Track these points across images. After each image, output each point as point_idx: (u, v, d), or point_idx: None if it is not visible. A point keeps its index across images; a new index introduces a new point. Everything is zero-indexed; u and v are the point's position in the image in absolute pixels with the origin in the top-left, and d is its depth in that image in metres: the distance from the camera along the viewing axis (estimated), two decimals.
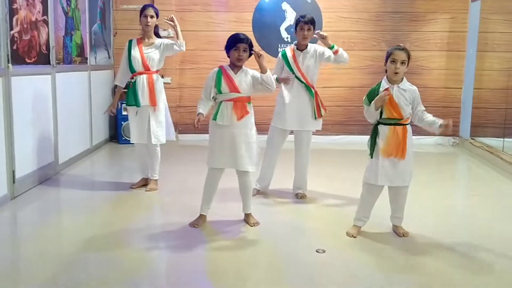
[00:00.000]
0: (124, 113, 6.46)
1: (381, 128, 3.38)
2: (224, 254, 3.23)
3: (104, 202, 4.31)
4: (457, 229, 3.82)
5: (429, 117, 3.43)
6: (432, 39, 7.26)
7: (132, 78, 4.46)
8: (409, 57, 3.34)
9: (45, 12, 4.82)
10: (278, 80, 4.23)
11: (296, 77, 4.25)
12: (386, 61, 3.38)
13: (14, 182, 4.25)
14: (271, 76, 3.52)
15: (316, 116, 4.26)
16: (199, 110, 3.52)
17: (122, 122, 6.80)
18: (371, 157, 3.42)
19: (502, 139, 6.41)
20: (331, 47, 4.22)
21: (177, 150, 6.84)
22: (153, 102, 4.43)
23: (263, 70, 3.48)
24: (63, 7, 5.32)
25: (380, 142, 3.37)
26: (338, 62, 4.26)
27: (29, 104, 4.54)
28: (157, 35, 4.57)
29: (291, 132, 4.40)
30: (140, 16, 4.45)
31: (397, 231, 3.58)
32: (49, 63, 4.95)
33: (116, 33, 7.17)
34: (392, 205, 3.58)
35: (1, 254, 3.16)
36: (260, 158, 3.98)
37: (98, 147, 6.53)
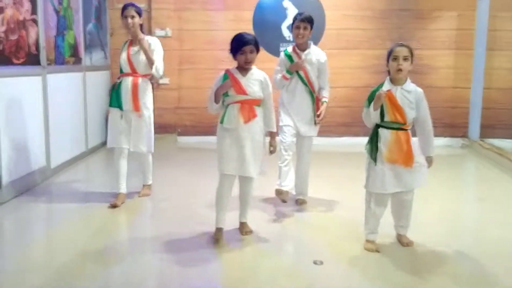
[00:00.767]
0: None
1: (382, 132, 3.13)
2: (219, 265, 3.05)
3: (97, 209, 4.08)
4: (465, 239, 3.60)
5: (429, 138, 3.19)
6: (439, 37, 7.01)
7: (118, 78, 4.19)
8: (411, 53, 3.10)
9: (34, 11, 4.64)
10: (289, 72, 3.98)
11: (300, 78, 4.01)
12: (388, 61, 3.14)
13: (0, 188, 4.07)
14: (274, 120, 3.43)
15: (316, 121, 4.05)
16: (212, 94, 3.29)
17: None
18: (375, 164, 3.15)
19: None
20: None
21: (176, 152, 6.67)
22: (136, 107, 4.09)
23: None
24: (54, 6, 5.14)
25: (382, 147, 3.12)
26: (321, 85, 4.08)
27: (17, 106, 4.36)
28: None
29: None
30: (121, 17, 4.13)
31: (401, 241, 3.35)
32: (39, 63, 4.77)
33: (112, 32, 6.99)
34: (396, 214, 3.33)
35: None
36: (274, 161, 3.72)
37: (94, 151, 6.34)
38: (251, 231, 3.53)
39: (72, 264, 3.04)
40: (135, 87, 4.09)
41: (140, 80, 4.13)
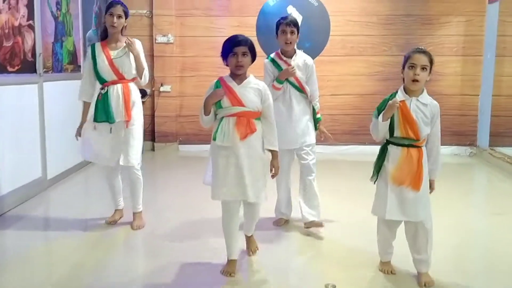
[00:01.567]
0: None
1: (392, 149, 2.81)
2: None
3: (94, 223, 3.89)
4: (482, 259, 3.36)
5: (437, 159, 2.86)
6: (447, 43, 6.84)
7: (103, 88, 3.64)
8: (431, 62, 2.77)
9: (30, 16, 4.47)
10: (280, 81, 3.60)
11: (292, 85, 3.64)
12: (404, 67, 2.81)
13: None
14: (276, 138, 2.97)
15: (317, 127, 3.76)
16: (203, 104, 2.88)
17: None
18: (374, 182, 2.87)
19: None
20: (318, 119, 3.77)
21: (177, 161, 6.49)
22: (128, 116, 3.62)
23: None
24: (52, 12, 4.97)
25: (390, 166, 2.80)
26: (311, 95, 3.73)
27: (12, 116, 4.18)
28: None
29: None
30: (106, 14, 3.65)
31: (419, 279, 2.88)
32: (35, 71, 4.60)
33: (102, 35, 6.81)
34: (410, 242, 2.93)
35: None
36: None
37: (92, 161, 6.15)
38: (257, 248, 3.28)
39: (69, 278, 2.88)
40: (127, 95, 3.63)
41: (131, 86, 3.70)
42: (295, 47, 3.74)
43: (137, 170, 3.74)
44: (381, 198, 2.85)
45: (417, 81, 2.73)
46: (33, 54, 4.55)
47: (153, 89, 6.93)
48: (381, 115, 2.79)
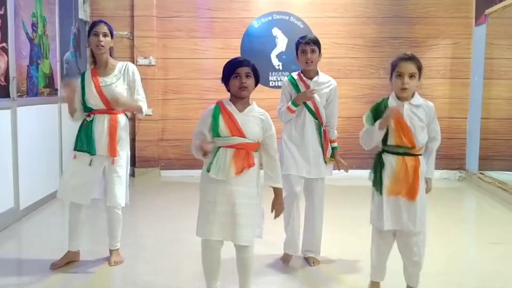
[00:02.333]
0: None
1: (387, 158, 2.69)
2: None
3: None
4: None
5: (430, 157, 2.81)
6: (434, 66, 6.76)
7: (88, 116, 3.39)
8: (420, 68, 2.66)
9: (4, 39, 4.25)
10: (295, 104, 3.34)
11: (308, 109, 3.40)
12: (391, 75, 2.70)
13: None
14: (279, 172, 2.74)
15: (326, 159, 3.49)
16: (195, 143, 2.63)
17: None
18: (380, 194, 2.71)
19: None
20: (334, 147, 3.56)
21: (159, 187, 6.24)
22: (113, 152, 3.33)
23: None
24: (27, 33, 4.75)
25: (385, 175, 2.68)
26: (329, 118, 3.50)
27: None
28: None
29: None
30: (89, 36, 3.38)
31: None
32: (8, 96, 4.35)
33: (93, 61, 6.60)
34: (403, 258, 2.83)
35: None
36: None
37: None
38: None
39: None
40: (113, 128, 3.34)
41: (120, 118, 3.41)
42: (317, 67, 3.47)
43: (118, 209, 3.47)
44: (378, 208, 2.74)
45: (405, 89, 2.66)
46: (6, 78, 4.31)
47: (134, 112, 6.70)
48: (377, 123, 2.65)
